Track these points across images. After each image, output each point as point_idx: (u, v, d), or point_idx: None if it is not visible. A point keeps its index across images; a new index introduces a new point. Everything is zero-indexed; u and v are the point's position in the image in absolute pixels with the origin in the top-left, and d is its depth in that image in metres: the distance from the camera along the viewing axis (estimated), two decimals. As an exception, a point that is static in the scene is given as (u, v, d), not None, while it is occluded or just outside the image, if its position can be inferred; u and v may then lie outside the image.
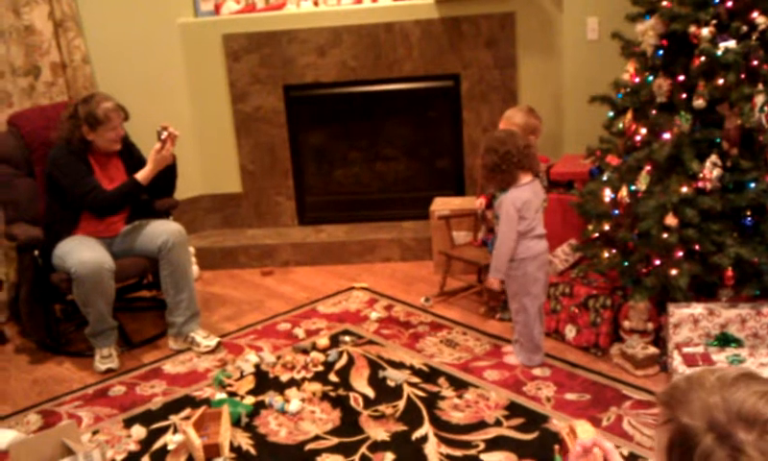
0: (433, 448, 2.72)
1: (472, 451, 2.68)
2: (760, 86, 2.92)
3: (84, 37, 4.31)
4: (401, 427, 2.87)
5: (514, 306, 3.26)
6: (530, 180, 3.13)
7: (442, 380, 3.18)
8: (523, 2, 4.39)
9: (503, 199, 3.13)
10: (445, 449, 2.71)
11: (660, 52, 3.19)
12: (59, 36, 4.20)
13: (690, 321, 3.03)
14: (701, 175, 2.98)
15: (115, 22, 4.44)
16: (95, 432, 3.00)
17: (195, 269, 4.34)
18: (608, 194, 3.33)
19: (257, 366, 3.40)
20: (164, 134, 3.53)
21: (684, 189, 3.01)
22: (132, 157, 3.76)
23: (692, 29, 3.02)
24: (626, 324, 3.27)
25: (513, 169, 3.09)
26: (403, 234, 4.63)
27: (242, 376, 3.32)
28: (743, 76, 2.95)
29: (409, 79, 4.61)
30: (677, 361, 2.94)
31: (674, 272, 3.05)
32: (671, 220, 3.00)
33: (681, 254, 3.05)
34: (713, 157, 2.97)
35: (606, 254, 3.35)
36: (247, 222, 4.98)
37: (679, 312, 3.04)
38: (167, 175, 3.67)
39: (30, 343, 3.83)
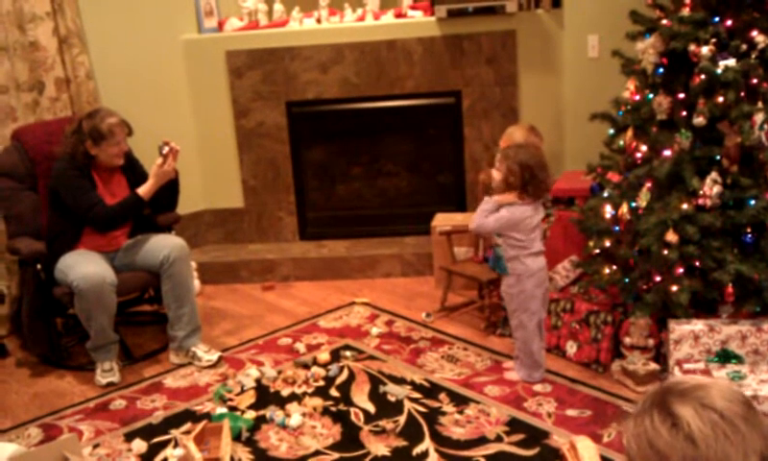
0: (434, 464, 2.72)
1: (473, 467, 2.69)
2: (760, 104, 2.94)
3: (89, 54, 4.33)
4: (402, 443, 2.86)
5: (513, 323, 3.27)
6: (530, 201, 3.13)
7: (442, 396, 3.18)
8: (524, 20, 4.42)
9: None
10: (446, 465, 2.71)
11: (661, 70, 3.22)
12: (63, 52, 4.22)
13: (691, 337, 3.04)
14: (701, 192, 2.99)
15: (119, 38, 4.47)
16: (96, 446, 3.00)
17: (196, 283, 4.35)
18: (608, 211, 3.35)
19: (258, 380, 3.40)
20: (166, 149, 3.55)
21: (685, 206, 3.03)
22: (134, 172, 3.77)
23: (692, 47, 3.04)
24: (627, 340, 3.27)
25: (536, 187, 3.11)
26: (404, 250, 4.64)
27: (243, 391, 3.32)
28: (743, 94, 2.98)
29: (411, 95, 4.63)
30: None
31: (674, 288, 3.06)
32: (671, 237, 3.01)
33: (681, 270, 3.06)
34: (713, 175, 2.99)
35: (606, 271, 3.36)
36: (248, 237, 4.99)
37: (679, 328, 3.05)
38: (169, 190, 3.69)
39: (31, 356, 3.82)
